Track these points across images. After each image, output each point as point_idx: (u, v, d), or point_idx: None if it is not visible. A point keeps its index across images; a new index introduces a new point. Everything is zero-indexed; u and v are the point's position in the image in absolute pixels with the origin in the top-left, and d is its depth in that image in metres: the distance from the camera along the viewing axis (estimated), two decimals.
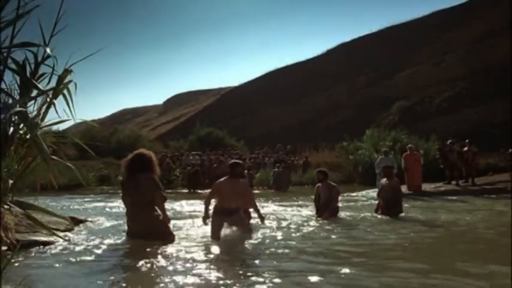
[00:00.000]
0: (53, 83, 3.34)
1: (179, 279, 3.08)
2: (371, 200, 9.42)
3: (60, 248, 4.19)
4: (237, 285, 2.94)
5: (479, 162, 12.96)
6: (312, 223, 6.17)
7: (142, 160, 4.57)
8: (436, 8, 34.30)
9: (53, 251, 4.04)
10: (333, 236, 5.12)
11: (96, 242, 4.55)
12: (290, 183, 14.68)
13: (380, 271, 3.36)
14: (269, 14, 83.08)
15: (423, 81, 25.57)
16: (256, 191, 12.62)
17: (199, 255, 3.92)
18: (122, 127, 32.86)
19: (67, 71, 3.38)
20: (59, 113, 3.33)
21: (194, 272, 3.29)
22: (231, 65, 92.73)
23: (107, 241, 4.58)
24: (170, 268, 3.40)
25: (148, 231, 4.38)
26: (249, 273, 3.22)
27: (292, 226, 5.90)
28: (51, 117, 3.48)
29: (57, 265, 3.50)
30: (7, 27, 2.60)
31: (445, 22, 28.06)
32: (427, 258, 3.94)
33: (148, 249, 4.06)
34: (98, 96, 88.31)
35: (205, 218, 5.06)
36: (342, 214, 7.00)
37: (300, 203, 9.38)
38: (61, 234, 4.53)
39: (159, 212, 4.52)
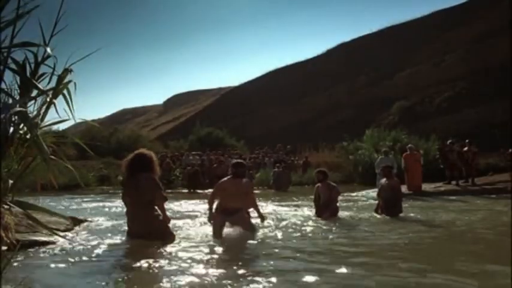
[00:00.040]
0: (53, 83, 3.34)
1: (179, 279, 3.08)
2: (371, 200, 9.42)
3: (60, 248, 4.19)
4: (237, 285, 2.94)
5: (479, 162, 12.96)
6: (312, 223, 6.17)
7: (143, 160, 4.58)
8: (436, 8, 34.32)
9: (53, 251, 4.04)
10: (333, 236, 5.13)
11: (96, 242, 4.55)
12: (290, 183, 14.68)
13: (379, 271, 3.36)
14: (269, 14, 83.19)
15: (423, 81, 25.58)
16: (256, 191, 12.59)
17: (199, 255, 3.92)
18: (121, 127, 32.88)
19: (67, 71, 3.38)
20: (59, 113, 3.33)
21: (194, 271, 3.29)
22: (231, 65, 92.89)
23: (107, 241, 4.58)
24: (170, 268, 3.40)
25: (148, 231, 4.38)
26: (249, 273, 3.22)
27: (292, 226, 5.90)
28: (51, 117, 3.48)
29: (57, 265, 3.50)
30: (7, 27, 2.60)
31: (445, 22, 28.06)
32: (427, 258, 3.94)
33: (148, 249, 4.06)
34: (97, 96, 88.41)
35: (210, 218, 5.08)
36: (342, 214, 7.00)
37: (300, 203, 9.38)
38: (61, 234, 4.53)
39: (159, 212, 4.53)
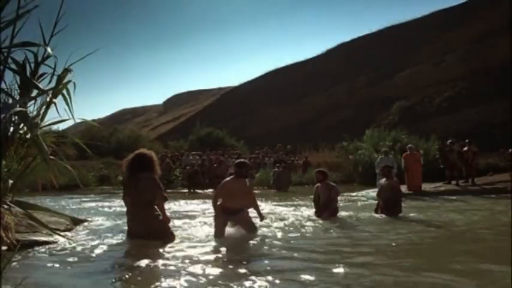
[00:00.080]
0: (53, 83, 3.34)
1: (179, 279, 3.08)
2: (371, 200, 9.42)
3: (60, 248, 4.19)
4: (237, 284, 2.94)
5: (479, 162, 12.97)
6: (312, 223, 6.17)
7: (143, 160, 4.58)
8: (436, 8, 34.35)
9: (53, 251, 4.04)
10: (332, 236, 5.13)
11: (96, 242, 4.56)
12: (290, 183, 14.69)
13: (378, 270, 3.36)
14: (269, 14, 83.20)
15: (423, 81, 25.58)
16: (256, 191, 12.62)
17: (199, 255, 3.93)
18: (121, 127, 32.90)
19: (66, 71, 3.38)
20: (59, 113, 3.32)
21: (194, 271, 3.29)
22: (231, 65, 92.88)
23: (107, 241, 4.59)
24: (170, 268, 3.40)
25: (148, 231, 4.38)
26: (249, 273, 3.22)
27: (292, 226, 5.90)
28: (51, 116, 3.48)
29: (57, 265, 3.50)
30: (7, 27, 2.59)
31: (445, 22, 28.07)
32: (427, 258, 3.95)
33: (148, 249, 4.06)
34: (97, 96, 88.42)
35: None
36: (342, 214, 7.00)
37: (300, 203, 9.38)
38: (61, 234, 4.53)
39: (159, 212, 4.53)
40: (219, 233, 4.96)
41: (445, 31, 27.56)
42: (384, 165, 7.81)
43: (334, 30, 79.64)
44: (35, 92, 3.27)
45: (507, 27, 22.09)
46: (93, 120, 23.07)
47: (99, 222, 6.39)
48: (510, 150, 12.93)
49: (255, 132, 28.25)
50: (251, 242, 4.70)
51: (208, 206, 8.73)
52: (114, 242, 4.58)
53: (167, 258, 3.73)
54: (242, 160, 5.51)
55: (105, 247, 4.29)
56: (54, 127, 4.61)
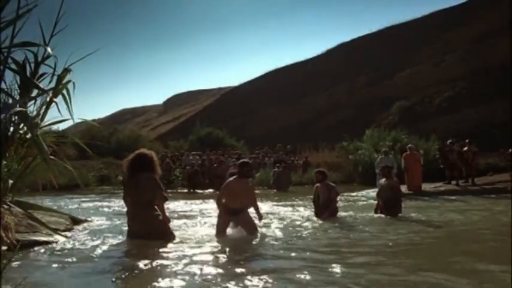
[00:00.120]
0: (53, 83, 3.34)
1: (179, 278, 3.08)
2: (371, 200, 9.42)
3: (60, 248, 4.19)
4: (236, 284, 2.94)
5: (479, 162, 12.97)
6: (311, 223, 6.18)
7: (144, 160, 4.59)
8: (436, 8, 34.30)
9: (53, 251, 4.04)
10: (332, 236, 5.13)
11: (96, 242, 4.56)
12: (290, 183, 14.69)
13: (377, 270, 3.36)
14: (269, 14, 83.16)
15: (423, 81, 25.57)
16: (256, 191, 12.60)
17: (199, 255, 3.93)
18: (121, 127, 32.89)
19: (66, 71, 3.38)
20: (60, 113, 3.32)
21: (194, 271, 3.29)
22: (231, 65, 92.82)
23: (107, 241, 4.59)
24: (170, 268, 3.40)
25: (148, 231, 4.39)
26: (248, 273, 3.22)
27: (291, 226, 5.90)
28: (51, 116, 3.48)
29: (57, 265, 3.50)
30: (7, 27, 2.59)
31: (445, 22, 28.06)
32: (427, 258, 3.95)
33: (148, 249, 4.06)
34: (97, 96, 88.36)
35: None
36: (342, 214, 7.00)
37: (300, 203, 9.38)
38: (61, 234, 4.53)
39: (159, 212, 4.53)
40: (220, 233, 4.97)
41: (445, 31, 27.55)
42: (383, 165, 7.81)
43: (334, 30, 79.66)
44: (35, 92, 3.28)
45: (507, 27, 22.08)
46: (93, 120, 23.12)
47: (99, 222, 6.39)
48: (510, 150, 12.93)
49: (255, 132, 28.25)
50: (250, 242, 4.70)
51: (207, 206, 8.74)
52: (114, 242, 4.58)
53: (167, 258, 3.74)
54: (245, 160, 5.51)
55: (105, 247, 4.29)
56: (54, 127, 4.61)
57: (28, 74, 3.16)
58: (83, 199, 11.13)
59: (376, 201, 7.39)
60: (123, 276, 3.27)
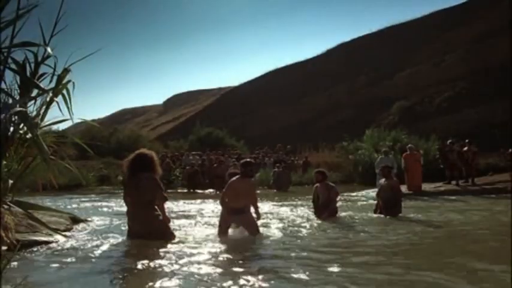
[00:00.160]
0: (53, 84, 3.35)
1: (179, 278, 3.09)
2: (371, 200, 9.42)
3: (60, 248, 4.20)
4: (236, 284, 2.95)
5: (479, 162, 12.97)
6: (311, 223, 6.18)
7: (144, 160, 4.59)
8: (436, 8, 34.29)
9: (53, 251, 4.04)
10: (331, 236, 5.13)
11: (96, 242, 4.56)
12: (290, 183, 14.69)
13: (375, 270, 3.36)
14: (269, 14, 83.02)
15: (423, 81, 25.57)
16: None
17: (199, 254, 3.93)
18: (121, 127, 32.87)
19: (66, 71, 3.38)
20: (62, 112, 3.33)
21: (194, 271, 3.29)
22: (231, 65, 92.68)
23: (107, 241, 4.59)
24: (170, 268, 3.40)
25: (148, 231, 4.39)
26: (248, 272, 3.23)
27: (291, 226, 5.91)
28: (51, 116, 3.48)
29: (57, 265, 3.50)
30: (7, 27, 2.60)
31: (445, 22, 28.06)
32: (426, 258, 3.95)
33: (148, 249, 4.06)
34: (97, 96, 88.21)
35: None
36: (341, 214, 7.00)
37: (300, 203, 9.38)
38: (61, 233, 4.54)
39: (160, 212, 4.53)
40: (222, 233, 4.96)
41: (445, 31, 27.55)
42: (383, 165, 7.81)
43: (334, 30, 79.52)
44: (35, 92, 3.28)
45: (507, 27, 22.08)
46: (93, 120, 23.08)
47: (99, 222, 6.39)
48: (510, 150, 12.93)
49: (255, 132, 28.24)
50: (250, 242, 4.70)
51: (207, 206, 8.75)
52: (114, 242, 4.58)
53: (167, 258, 3.74)
54: (248, 160, 5.48)
55: (105, 247, 4.29)
56: (54, 127, 4.61)
57: (28, 74, 3.16)
58: (83, 199, 11.13)
59: (375, 201, 7.40)
60: (123, 276, 3.27)
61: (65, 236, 4.61)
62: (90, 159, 16.56)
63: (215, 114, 31.16)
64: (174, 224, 5.39)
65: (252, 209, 5.34)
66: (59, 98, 3.34)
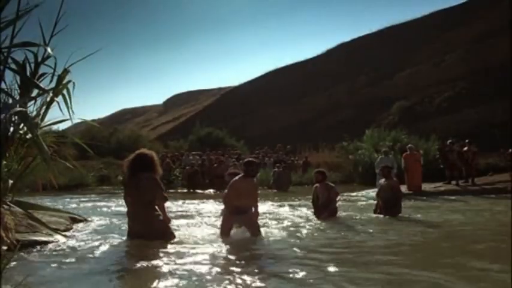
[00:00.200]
0: (53, 84, 3.35)
1: (179, 278, 3.09)
2: (371, 200, 9.42)
3: (60, 247, 4.20)
4: (235, 283, 2.95)
5: (479, 162, 12.97)
6: (311, 223, 6.18)
7: (144, 160, 4.59)
8: (436, 8, 34.25)
9: (53, 251, 4.05)
10: (330, 237, 5.13)
11: (96, 242, 4.56)
12: (290, 183, 14.70)
13: (374, 270, 3.36)
14: (269, 14, 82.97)
15: (423, 81, 25.58)
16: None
17: (199, 254, 3.93)
18: (121, 127, 32.86)
19: (66, 71, 3.38)
20: (62, 112, 3.32)
21: (194, 271, 3.29)
22: (231, 65, 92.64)
23: (107, 241, 4.59)
24: (170, 268, 3.40)
25: (149, 231, 4.39)
26: (247, 272, 3.23)
27: (291, 226, 5.90)
28: (51, 116, 3.48)
29: (57, 265, 3.51)
30: (7, 27, 2.60)
31: (445, 22, 28.06)
32: (426, 258, 3.95)
33: (148, 249, 4.06)
34: (97, 96, 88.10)
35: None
36: (341, 214, 7.00)
37: (300, 203, 9.38)
38: (61, 234, 4.54)
39: (160, 212, 4.53)
40: (224, 233, 4.95)
41: (445, 31, 27.55)
42: (383, 165, 7.81)
43: (334, 30, 79.47)
44: (35, 92, 3.28)
45: (507, 27, 22.08)
46: (93, 120, 23.06)
47: (99, 222, 6.39)
48: (510, 150, 12.94)
49: (255, 132, 28.24)
50: (250, 242, 4.70)
51: (207, 206, 8.76)
52: (114, 242, 4.58)
53: (167, 258, 3.74)
54: (250, 159, 5.46)
55: (105, 247, 4.29)
56: (54, 127, 4.61)
57: (28, 74, 3.16)
58: (83, 199, 11.13)
59: (375, 201, 7.40)
60: (123, 276, 3.27)
61: (64, 236, 4.61)
62: (90, 159, 16.55)
63: (215, 114, 31.16)
64: (174, 224, 5.39)
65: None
66: (59, 98, 3.34)
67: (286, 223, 6.17)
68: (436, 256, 4.02)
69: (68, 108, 3.32)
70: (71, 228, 5.49)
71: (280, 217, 6.86)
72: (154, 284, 2.97)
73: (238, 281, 3.02)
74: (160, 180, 4.61)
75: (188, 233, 5.27)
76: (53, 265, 3.50)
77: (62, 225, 5.23)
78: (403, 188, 9.64)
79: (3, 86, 2.83)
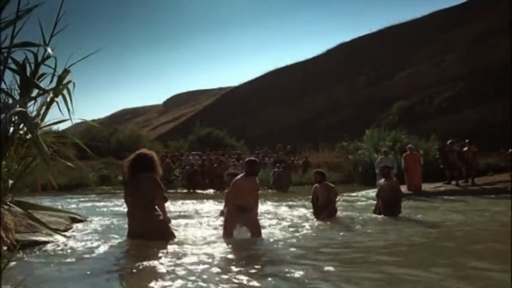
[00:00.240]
0: (53, 84, 3.35)
1: (179, 278, 3.09)
2: (371, 200, 9.42)
3: (60, 248, 4.19)
4: (235, 283, 2.95)
5: (479, 162, 12.97)
6: (311, 224, 6.18)
7: (144, 160, 4.59)
8: (436, 8, 34.30)
9: (53, 251, 4.04)
10: (329, 237, 5.13)
11: (96, 242, 4.56)
12: (290, 183, 14.70)
13: (372, 269, 3.36)
14: (269, 14, 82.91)
15: (423, 81, 25.58)
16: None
17: (199, 255, 3.93)
18: (121, 127, 32.84)
19: (66, 71, 3.38)
20: (61, 112, 3.33)
21: (193, 271, 3.29)
22: (231, 65, 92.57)
23: (107, 241, 4.59)
24: (170, 268, 3.40)
25: (149, 231, 4.39)
26: (246, 273, 3.23)
27: (290, 226, 5.90)
28: (51, 117, 3.48)
29: (57, 265, 3.50)
30: (7, 27, 2.60)
31: (445, 22, 28.07)
32: (426, 258, 3.95)
33: (148, 249, 4.06)
34: (97, 96, 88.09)
35: (223, 213, 5.12)
36: (341, 214, 7.00)
37: (300, 203, 9.38)
38: (61, 234, 4.54)
39: (160, 212, 4.53)
40: (227, 234, 4.92)
41: (445, 31, 27.55)
42: (383, 165, 7.81)
43: (334, 30, 79.39)
44: (35, 92, 3.28)
45: (507, 27, 22.08)
46: (93, 120, 23.08)
47: (99, 222, 6.39)
48: (510, 150, 12.93)
49: (255, 132, 28.24)
50: (250, 242, 4.70)
51: (207, 206, 8.76)
52: (114, 242, 4.58)
53: (167, 258, 3.74)
54: (252, 158, 5.45)
55: (105, 247, 4.29)
56: (54, 127, 4.61)
57: (28, 74, 3.16)
58: (83, 199, 11.13)
59: (375, 202, 7.40)
60: (123, 276, 3.27)
61: (64, 236, 4.61)
62: (90, 159, 16.54)
63: (215, 114, 31.16)
64: (174, 224, 5.39)
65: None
66: (59, 98, 3.35)
67: (285, 223, 6.17)
68: (436, 256, 4.02)
69: (67, 108, 3.32)
70: (71, 228, 5.49)
71: (279, 217, 6.86)
72: (155, 284, 2.97)
73: (238, 281, 3.02)
74: (160, 180, 4.61)
75: (188, 233, 5.27)
76: (52, 265, 3.50)
77: (62, 225, 5.23)
78: (403, 188, 9.64)
79: (3, 86, 2.84)
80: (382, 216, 6.85)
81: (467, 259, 3.76)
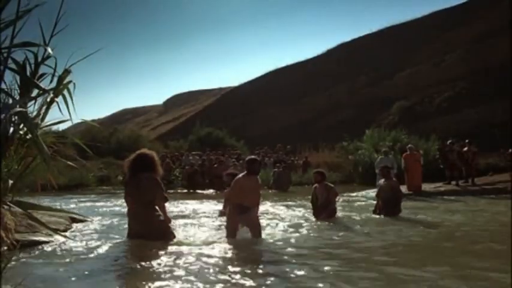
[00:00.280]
0: (54, 84, 3.35)
1: (179, 279, 3.09)
2: (370, 200, 9.42)
3: (60, 248, 4.20)
4: (235, 283, 2.95)
5: (479, 162, 12.97)
6: (310, 224, 6.18)
7: (145, 160, 4.59)
8: (436, 8, 34.28)
9: (53, 251, 4.05)
10: (328, 237, 5.14)
11: (96, 242, 4.56)
12: (290, 183, 14.70)
13: (376, 270, 3.36)
14: (269, 14, 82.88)
15: (423, 81, 25.58)
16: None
17: (199, 255, 3.93)
18: (121, 127, 32.85)
19: (67, 71, 3.38)
20: (62, 113, 3.32)
21: (194, 271, 3.30)
22: (231, 65, 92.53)
23: (107, 241, 4.59)
24: (170, 268, 3.40)
25: (149, 231, 4.39)
26: (246, 273, 3.23)
27: (290, 226, 5.90)
28: (51, 117, 3.48)
29: (57, 265, 3.51)
30: (7, 27, 2.60)
31: (445, 22, 28.07)
32: (426, 258, 3.95)
33: (148, 249, 4.06)
34: (97, 96, 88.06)
35: (223, 213, 5.10)
36: (341, 214, 7.00)
37: (300, 203, 9.38)
38: (61, 234, 4.54)
39: (160, 212, 4.54)
40: (231, 234, 4.90)
41: (445, 31, 27.55)
42: (383, 165, 7.81)
43: (334, 30, 79.34)
44: (35, 92, 3.28)
45: (507, 27, 22.09)
46: (93, 120, 23.10)
47: (99, 222, 6.39)
48: (510, 150, 12.93)
49: (255, 132, 28.24)
50: (249, 242, 4.71)
51: (207, 206, 8.76)
52: (114, 242, 4.59)
53: (167, 258, 3.74)
54: (253, 157, 5.44)
55: (105, 247, 4.29)
56: (55, 127, 4.61)
57: (28, 74, 3.16)
58: (83, 199, 11.13)
59: (375, 202, 7.39)
60: (123, 276, 3.27)
61: (64, 236, 4.61)
62: (90, 159, 16.56)
63: (215, 114, 31.16)
64: (174, 224, 5.39)
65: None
66: (59, 99, 3.34)
67: (285, 223, 6.17)
68: (436, 256, 4.02)
69: (68, 108, 3.32)
70: (71, 228, 5.49)
71: (279, 217, 6.87)
72: (154, 284, 2.98)
73: (238, 281, 3.02)
74: (160, 180, 4.61)
75: (188, 233, 5.27)
76: (52, 265, 3.50)
77: (62, 225, 5.24)
78: (403, 188, 9.64)
79: (3, 86, 2.84)
80: (381, 216, 6.85)
81: (467, 259, 3.76)
